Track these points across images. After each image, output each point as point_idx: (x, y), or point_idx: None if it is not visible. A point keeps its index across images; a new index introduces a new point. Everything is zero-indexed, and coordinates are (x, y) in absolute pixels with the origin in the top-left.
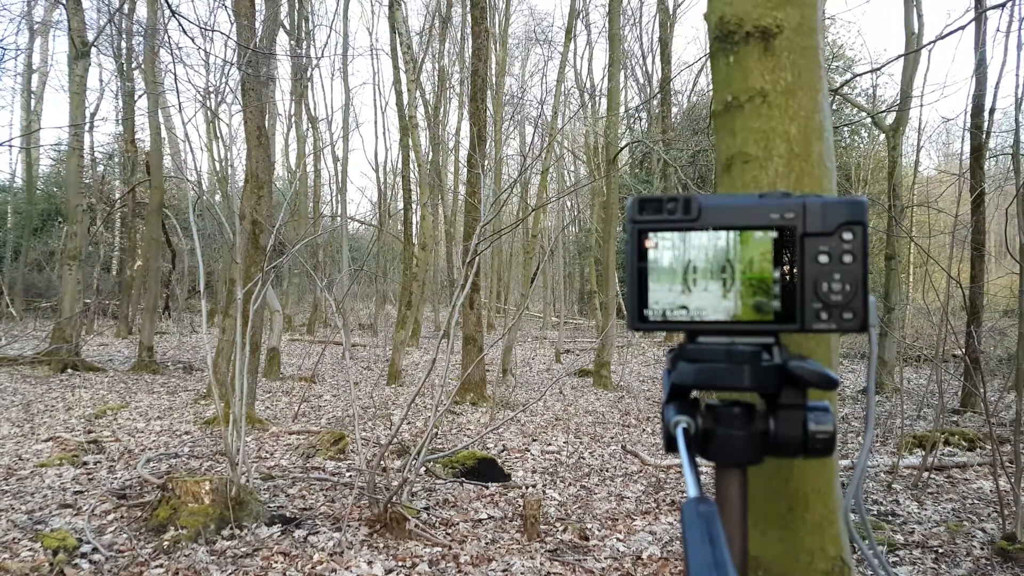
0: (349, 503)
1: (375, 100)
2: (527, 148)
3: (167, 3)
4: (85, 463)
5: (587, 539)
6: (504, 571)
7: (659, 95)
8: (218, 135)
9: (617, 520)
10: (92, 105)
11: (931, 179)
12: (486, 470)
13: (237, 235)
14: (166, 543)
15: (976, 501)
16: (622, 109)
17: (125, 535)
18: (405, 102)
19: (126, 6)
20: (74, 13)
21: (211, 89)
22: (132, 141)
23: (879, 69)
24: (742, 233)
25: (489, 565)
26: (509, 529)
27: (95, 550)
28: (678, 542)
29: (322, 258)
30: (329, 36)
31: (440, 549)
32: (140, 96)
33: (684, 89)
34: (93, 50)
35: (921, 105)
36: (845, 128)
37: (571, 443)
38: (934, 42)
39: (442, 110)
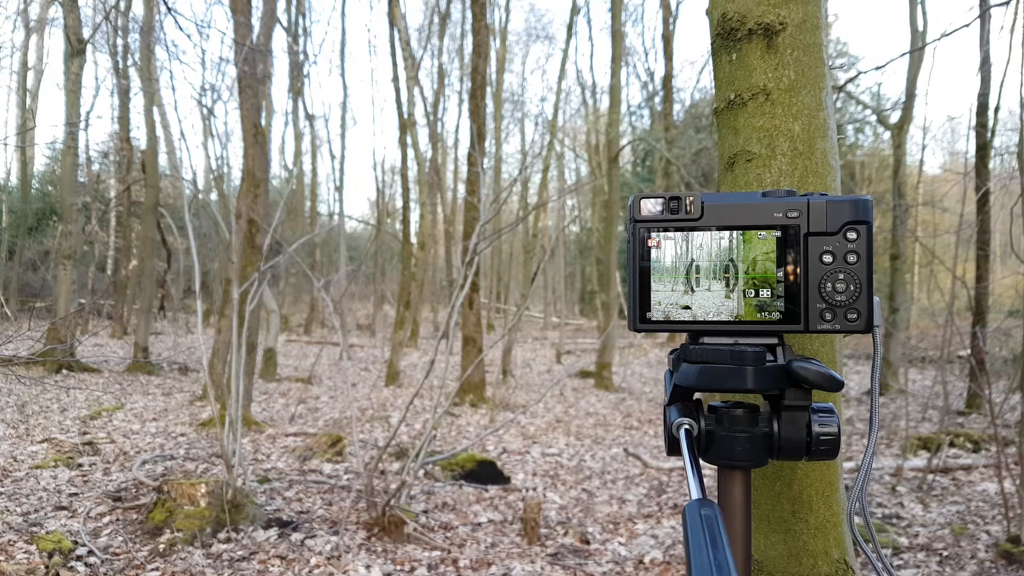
0: (347, 506)
1: (373, 97)
2: (527, 146)
3: (163, 0)
4: (80, 465)
5: (588, 543)
6: (504, 575)
7: (661, 92)
8: (214, 133)
9: (619, 524)
10: (87, 103)
11: (936, 178)
12: (486, 473)
13: (233, 234)
14: (162, 546)
15: (981, 503)
16: (624, 106)
17: (121, 538)
18: (404, 99)
19: (122, 3)
20: (70, 10)
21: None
22: (127, 139)
23: (883, 67)
24: (745, 232)
25: (489, 569)
26: (509, 533)
27: (91, 553)
28: (680, 546)
29: (319, 257)
30: (327, 33)
31: (439, 553)
32: (136, 94)
33: (687, 86)
34: (89, 47)
35: (926, 103)
36: (850, 126)
37: (572, 445)
38: (939, 39)
39: (441, 107)
